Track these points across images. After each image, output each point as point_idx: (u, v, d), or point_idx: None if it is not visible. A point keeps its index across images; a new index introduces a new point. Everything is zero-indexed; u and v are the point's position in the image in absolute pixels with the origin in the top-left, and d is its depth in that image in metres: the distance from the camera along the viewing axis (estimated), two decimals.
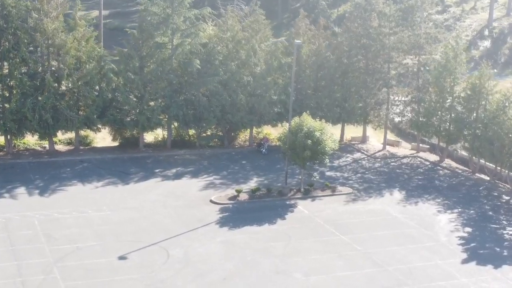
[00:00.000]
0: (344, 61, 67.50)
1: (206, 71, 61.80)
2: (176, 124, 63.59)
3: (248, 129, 66.95)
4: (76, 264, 38.30)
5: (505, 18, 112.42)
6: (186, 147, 64.67)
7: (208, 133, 66.15)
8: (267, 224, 46.05)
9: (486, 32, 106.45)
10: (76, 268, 37.66)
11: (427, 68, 65.58)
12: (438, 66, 62.82)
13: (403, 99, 67.99)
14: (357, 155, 66.17)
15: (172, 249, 41.05)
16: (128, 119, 60.75)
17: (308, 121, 50.40)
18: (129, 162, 59.03)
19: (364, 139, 70.65)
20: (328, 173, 58.78)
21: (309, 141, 49.05)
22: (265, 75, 63.75)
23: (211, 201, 50.09)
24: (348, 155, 65.72)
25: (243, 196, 51.00)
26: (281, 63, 65.08)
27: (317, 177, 53.59)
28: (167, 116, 61.98)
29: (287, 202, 50.93)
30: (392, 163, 63.68)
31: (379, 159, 64.78)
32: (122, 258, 39.50)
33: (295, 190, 52.81)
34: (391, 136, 73.20)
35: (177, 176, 56.02)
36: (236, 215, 47.51)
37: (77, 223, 44.50)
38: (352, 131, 72.26)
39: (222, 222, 45.97)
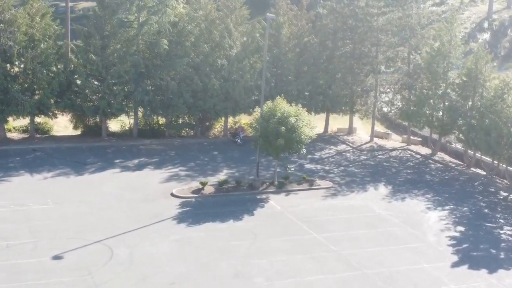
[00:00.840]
0: (328, 44, 61.84)
1: (176, 52, 56.14)
2: (142, 111, 57.79)
3: (223, 119, 61.23)
4: (0, 265, 32.60)
5: (506, 10, 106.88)
6: (155, 137, 58.99)
7: (181, 122, 60.42)
8: (232, 220, 40.40)
9: (486, 25, 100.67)
10: (0, 270, 32.00)
11: (419, 52, 59.88)
12: (430, 50, 57.17)
13: (392, 86, 62.22)
14: (342, 147, 60.60)
15: (117, 248, 35.37)
16: (88, 104, 54.92)
17: (282, 105, 44.75)
18: (88, 152, 53.34)
19: (350, 130, 65.05)
20: (307, 166, 53.24)
21: (283, 128, 43.37)
22: (241, 58, 58.03)
23: (172, 194, 44.39)
24: (331, 147, 60.17)
25: (209, 190, 45.36)
26: (258, 45, 59.32)
27: (293, 169, 48.11)
28: (131, 102, 56.18)
29: (258, 197, 45.29)
30: (379, 156, 58.10)
31: (365, 152, 59.20)
32: (56, 258, 33.84)
33: (267, 183, 47.14)
34: (380, 128, 67.65)
35: (139, 167, 50.36)
36: (197, 210, 41.84)
37: (14, 218, 38.83)
38: (338, 122, 66.75)
39: (180, 218, 40.30)
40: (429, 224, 41.68)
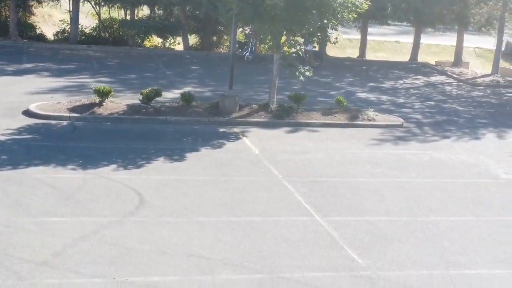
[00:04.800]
0: None
1: None
2: None
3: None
4: None
5: None
6: (111, 44, 34.26)
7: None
8: (91, 169, 14.80)
9: None
10: None
11: None
12: None
13: None
14: (438, 78, 33.59)
15: None
16: None
17: None
18: None
19: (457, 61, 37.57)
20: (361, 94, 26.82)
21: None
22: None
23: (26, 112, 19.26)
24: (418, 76, 33.33)
25: (116, 108, 19.88)
26: None
27: (308, 73, 21.37)
28: None
29: (220, 129, 19.50)
30: (508, 94, 30.66)
31: (481, 87, 31.84)
32: None
33: (255, 106, 21.14)
34: (506, 64, 39.97)
35: (21, 73, 25.76)
36: (49, 142, 16.67)
37: None
38: (437, 53, 39.57)
39: None
40: None
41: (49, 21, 40.81)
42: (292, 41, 19.68)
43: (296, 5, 18.51)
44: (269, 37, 19.24)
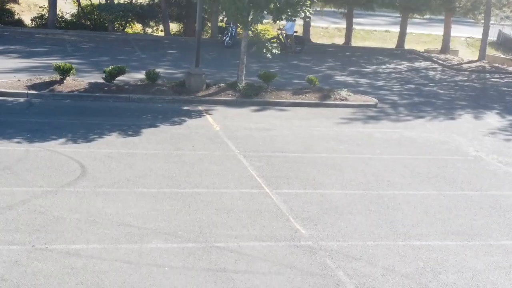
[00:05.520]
0: None
1: None
2: None
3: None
4: None
5: None
6: (84, 28, 33.62)
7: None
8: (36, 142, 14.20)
9: None
10: None
11: None
12: None
13: None
14: (422, 64, 32.89)
15: None
16: None
17: None
18: None
19: (445, 48, 36.89)
20: (339, 78, 26.14)
21: None
22: None
23: None
24: (402, 62, 32.65)
25: (79, 85, 19.22)
26: None
27: (275, 50, 20.67)
28: None
29: (183, 107, 18.86)
30: (493, 80, 29.95)
31: (467, 73, 31.13)
32: None
33: (222, 85, 20.46)
34: (497, 53, 39.23)
35: None
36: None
37: None
38: (427, 42, 38.90)
39: None
40: None
41: (34, 10, 40.14)
42: (258, 17, 18.91)
43: None
44: (234, 12, 18.51)
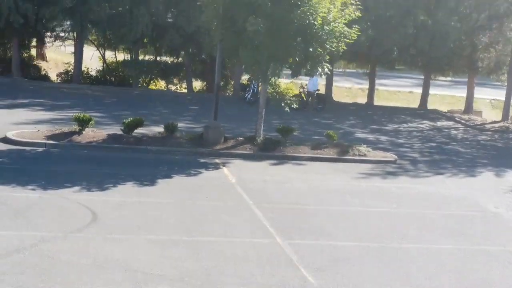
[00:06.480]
0: None
1: None
2: (94, 37, 33.28)
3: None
4: None
5: None
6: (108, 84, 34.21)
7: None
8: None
9: None
10: None
11: None
12: None
13: None
14: (445, 123, 32.73)
15: None
16: None
17: None
18: None
19: (468, 107, 36.76)
20: (360, 135, 26.10)
21: (300, 11, 17.04)
22: None
23: (4, 139, 18.84)
24: (424, 121, 32.51)
25: (96, 136, 19.37)
26: None
27: (294, 105, 20.74)
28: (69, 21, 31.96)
29: (201, 160, 18.82)
30: None
31: (489, 132, 30.91)
32: None
33: (240, 139, 20.49)
34: None
35: (13, 106, 25.54)
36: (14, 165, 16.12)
37: None
38: (454, 103, 38.83)
39: None
40: None
41: (61, 67, 41.07)
42: (277, 71, 19.04)
43: (279, 31, 18.04)
44: (253, 65, 18.70)
